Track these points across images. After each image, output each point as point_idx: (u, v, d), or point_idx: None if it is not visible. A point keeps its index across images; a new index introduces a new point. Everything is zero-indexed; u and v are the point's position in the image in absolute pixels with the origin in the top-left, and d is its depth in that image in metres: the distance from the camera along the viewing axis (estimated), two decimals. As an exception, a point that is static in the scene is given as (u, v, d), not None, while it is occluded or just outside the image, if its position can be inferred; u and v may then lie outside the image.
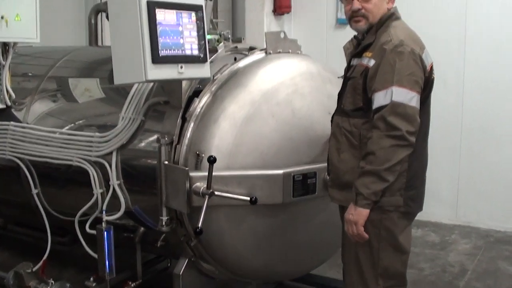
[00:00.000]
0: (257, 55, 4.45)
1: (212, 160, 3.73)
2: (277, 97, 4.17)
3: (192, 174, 3.90)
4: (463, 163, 7.35)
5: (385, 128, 3.21)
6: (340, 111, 3.60)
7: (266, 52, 4.48)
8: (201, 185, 3.85)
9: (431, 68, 3.41)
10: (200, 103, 4.14)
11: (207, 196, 3.79)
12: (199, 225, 3.75)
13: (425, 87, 3.36)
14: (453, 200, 7.43)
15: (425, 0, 7.45)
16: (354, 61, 3.57)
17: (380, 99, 3.26)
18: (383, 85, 3.26)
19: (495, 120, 7.14)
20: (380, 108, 3.25)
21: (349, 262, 3.66)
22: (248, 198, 3.84)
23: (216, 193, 3.82)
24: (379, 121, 3.24)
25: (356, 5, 3.50)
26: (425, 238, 6.83)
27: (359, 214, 3.33)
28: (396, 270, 3.54)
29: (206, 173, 3.79)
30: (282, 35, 4.56)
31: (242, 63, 4.36)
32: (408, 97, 3.21)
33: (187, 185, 3.87)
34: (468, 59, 7.24)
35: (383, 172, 3.22)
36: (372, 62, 3.37)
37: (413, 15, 7.31)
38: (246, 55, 4.44)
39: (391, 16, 3.49)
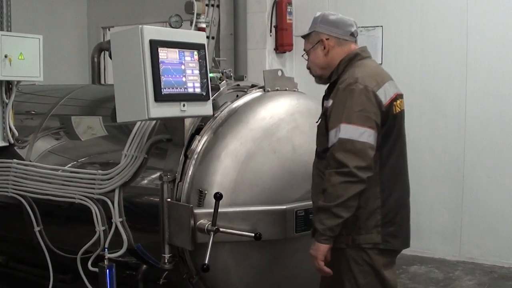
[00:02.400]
0: (255, 93, 4.48)
1: (218, 197, 3.75)
2: (277, 134, 4.20)
3: (196, 211, 3.91)
4: (466, 199, 7.32)
5: (334, 165, 3.28)
6: (316, 153, 3.68)
7: (264, 90, 4.50)
8: (205, 222, 3.86)
9: (392, 100, 3.45)
10: (202, 141, 4.16)
11: (212, 233, 3.80)
12: (206, 261, 3.73)
13: (385, 120, 3.39)
14: (457, 236, 7.39)
15: (426, 34, 7.49)
16: (323, 104, 3.66)
17: (332, 137, 3.35)
18: (334, 124, 3.35)
19: (498, 156, 7.14)
20: (332, 146, 3.33)
21: None
22: (253, 234, 3.83)
23: (221, 229, 3.82)
24: (329, 159, 3.32)
25: (307, 65, 3.77)
26: (428, 275, 6.79)
27: (317, 249, 3.37)
28: None
29: (210, 210, 3.80)
30: (279, 73, 4.60)
31: (241, 101, 4.38)
32: (357, 133, 3.26)
33: (192, 222, 3.87)
34: (469, 93, 7.24)
35: (334, 208, 3.26)
36: (330, 102, 3.47)
37: (414, 49, 7.47)
38: (245, 93, 4.46)
39: (354, 57, 3.58)
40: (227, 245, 3.99)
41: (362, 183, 3.26)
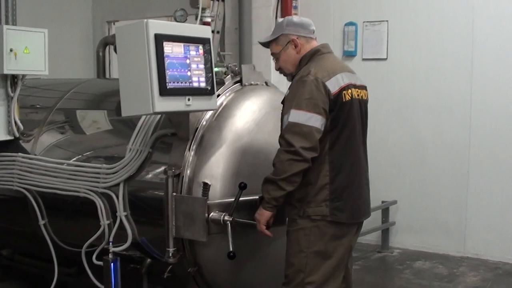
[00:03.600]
0: (235, 87, 4.55)
1: (243, 186, 3.97)
2: (267, 126, 4.37)
3: (209, 202, 3.98)
4: (470, 195, 7.32)
5: (283, 144, 3.69)
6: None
7: (241, 84, 4.57)
8: (216, 214, 3.98)
9: (342, 89, 3.79)
10: (204, 135, 4.23)
11: (229, 223, 3.94)
12: (231, 248, 3.88)
13: (334, 107, 3.74)
14: (461, 232, 7.39)
15: (431, 29, 7.48)
16: None
17: (284, 121, 3.75)
18: (286, 110, 3.76)
19: (503, 151, 7.13)
20: (283, 129, 3.75)
21: (285, 266, 3.92)
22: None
23: (237, 220, 4.00)
24: (280, 139, 3.73)
25: (276, 66, 4.15)
26: (433, 271, 6.79)
27: (262, 215, 3.84)
28: (323, 276, 3.82)
29: (222, 201, 4.01)
30: (252, 68, 4.72)
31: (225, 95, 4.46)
32: (304, 117, 3.65)
33: (206, 214, 3.96)
34: (475, 88, 7.23)
35: (280, 181, 3.68)
36: (287, 93, 3.88)
37: (419, 43, 7.46)
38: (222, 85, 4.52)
39: (315, 53, 3.98)
40: (218, 236, 4.06)
41: (306, 162, 3.65)
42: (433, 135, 7.49)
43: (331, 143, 3.76)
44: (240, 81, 4.58)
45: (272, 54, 4.12)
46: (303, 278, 3.80)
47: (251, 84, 4.63)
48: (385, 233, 7.60)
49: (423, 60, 7.51)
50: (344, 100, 3.79)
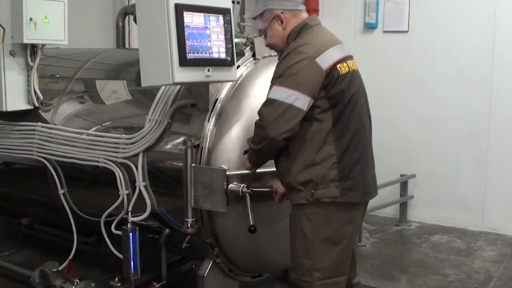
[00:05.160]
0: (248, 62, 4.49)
1: None
2: None
3: (228, 173, 3.99)
4: (490, 169, 7.28)
5: (259, 117, 3.59)
6: None
7: (255, 58, 4.50)
8: (235, 185, 3.99)
9: (335, 63, 3.58)
10: (223, 106, 4.24)
11: (248, 195, 3.94)
12: (251, 222, 3.89)
13: (329, 83, 3.54)
14: (479, 207, 7.36)
15: (453, 1, 7.38)
16: None
17: (267, 95, 3.59)
18: (270, 86, 3.60)
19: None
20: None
21: (291, 254, 3.79)
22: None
23: (255, 189, 3.99)
24: (259, 110, 3.61)
25: (265, 43, 3.97)
26: (450, 245, 6.78)
27: (245, 160, 3.86)
28: (331, 262, 3.68)
29: (241, 172, 4.02)
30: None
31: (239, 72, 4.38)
32: (284, 95, 3.48)
33: (225, 185, 3.96)
34: (496, 62, 7.15)
35: (253, 151, 3.70)
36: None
37: (441, 16, 7.37)
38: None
39: (302, 28, 3.73)
40: (236, 207, 4.08)
41: (272, 141, 3.53)
42: (453, 109, 7.43)
43: (334, 120, 3.56)
44: (253, 56, 4.51)
45: (259, 30, 3.98)
46: (311, 266, 3.65)
47: (264, 57, 4.54)
48: (403, 206, 7.59)
49: (444, 32, 7.42)
50: (340, 73, 3.58)
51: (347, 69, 3.64)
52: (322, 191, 3.57)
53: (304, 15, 3.82)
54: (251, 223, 3.89)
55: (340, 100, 3.57)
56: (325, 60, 3.55)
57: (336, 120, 3.57)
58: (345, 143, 3.59)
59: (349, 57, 3.74)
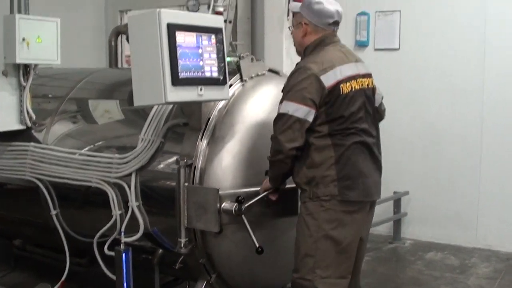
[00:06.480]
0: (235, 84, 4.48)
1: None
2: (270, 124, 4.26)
3: (221, 193, 3.97)
4: (482, 186, 7.27)
5: (273, 133, 3.87)
6: None
7: (242, 80, 4.49)
8: (228, 204, 3.98)
9: (339, 82, 3.83)
10: (216, 125, 4.24)
11: (245, 219, 3.97)
12: (256, 245, 3.96)
13: (331, 99, 3.80)
14: (473, 223, 7.35)
15: (444, 19, 7.41)
16: None
17: (278, 110, 3.85)
18: (281, 100, 3.86)
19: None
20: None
21: (294, 252, 3.96)
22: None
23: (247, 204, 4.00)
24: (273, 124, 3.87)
25: (291, 34, 4.22)
26: (444, 262, 6.77)
27: (265, 184, 4.08)
28: (333, 261, 3.85)
29: (234, 191, 4.04)
30: (251, 60, 4.63)
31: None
32: (292, 108, 3.75)
33: (218, 204, 3.96)
34: (487, 77, 7.16)
35: (270, 162, 3.93)
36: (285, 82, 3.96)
37: (432, 33, 7.41)
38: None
39: (319, 44, 4.00)
40: (230, 227, 4.08)
41: (283, 153, 3.80)
42: (445, 126, 7.44)
43: (333, 129, 3.82)
44: (240, 78, 4.51)
45: (292, 23, 4.19)
46: (313, 264, 3.84)
47: (252, 78, 4.54)
48: (397, 224, 7.58)
49: (435, 50, 7.46)
50: (341, 92, 3.84)
51: (349, 89, 3.87)
52: (322, 190, 3.81)
53: (325, 34, 4.04)
54: (256, 245, 3.94)
55: (337, 116, 3.82)
56: (329, 79, 3.80)
57: (335, 127, 3.82)
58: (342, 149, 3.83)
59: (362, 75, 4.01)
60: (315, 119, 3.78)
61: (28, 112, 5.09)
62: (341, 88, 3.83)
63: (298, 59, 4.12)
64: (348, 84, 3.87)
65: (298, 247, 3.92)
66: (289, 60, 7.21)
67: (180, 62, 3.71)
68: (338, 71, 3.86)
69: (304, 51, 4.04)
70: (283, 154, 3.80)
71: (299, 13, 4.04)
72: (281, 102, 3.84)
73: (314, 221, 3.84)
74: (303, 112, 3.74)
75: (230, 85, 4.29)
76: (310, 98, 3.75)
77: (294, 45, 4.21)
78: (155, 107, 4.34)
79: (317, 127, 3.81)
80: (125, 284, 4.23)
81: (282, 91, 3.91)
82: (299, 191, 3.97)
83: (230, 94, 4.29)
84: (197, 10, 5.57)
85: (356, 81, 3.94)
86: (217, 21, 4.05)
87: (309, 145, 3.82)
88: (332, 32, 4.09)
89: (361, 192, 3.89)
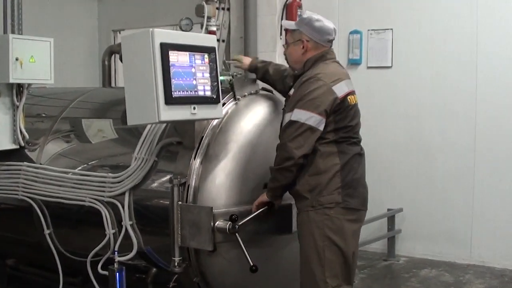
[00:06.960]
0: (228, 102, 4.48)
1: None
2: (263, 143, 4.35)
3: (215, 211, 3.97)
4: (476, 202, 7.30)
5: (281, 140, 3.93)
6: None
7: (235, 98, 4.50)
8: (222, 222, 3.97)
9: (346, 95, 3.97)
10: (209, 144, 4.24)
11: (239, 237, 3.94)
12: (251, 263, 3.92)
13: (340, 109, 3.92)
14: (467, 240, 7.36)
15: (435, 37, 7.48)
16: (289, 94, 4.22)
17: (286, 118, 3.93)
18: (290, 108, 3.93)
19: (510, 158, 7.11)
20: (284, 124, 3.95)
21: (301, 263, 4.01)
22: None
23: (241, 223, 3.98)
24: (281, 133, 3.95)
25: (284, 51, 4.37)
26: (439, 279, 6.76)
27: (261, 196, 4.07)
28: (339, 268, 3.92)
29: (228, 210, 4.02)
30: (244, 79, 4.69)
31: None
32: (305, 116, 3.84)
33: (212, 223, 3.94)
34: (480, 96, 7.23)
35: (275, 171, 3.94)
36: (292, 91, 4.09)
37: (424, 51, 7.45)
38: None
39: (320, 58, 4.11)
40: (224, 245, 4.06)
41: (294, 158, 3.82)
42: (438, 143, 7.47)
43: (339, 137, 3.92)
44: (234, 96, 4.52)
45: (285, 40, 4.31)
46: (322, 273, 3.88)
47: (245, 96, 4.56)
48: (391, 241, 7.58)
49: (427, 68, 7.50)
50: (349, 103, 3.99)
51: (353, 102, 4.05)
52: (326, 197, 3.88)
53: (325, 49, 4.16)
54: (251, 264, 3.92)
55: (344, 125, 3.95)
56: (339, 89, 3.94)
57: (341, 136, 3.94)
58: (347, 157, 3.95)
59: (354, 92, 4.11)
60: (324, 127, 3.88)
61: (21, 132, 5.09)
62: (349, 99, 3.98)
63: (290, 78, 4.17)
64: (352, 97, 4.03)
65: (305, 257, 3.95)
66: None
67: (174, 81, 3.73)
68: (344, 84, 4.00)
69: (305, 64, 4.11)
70: (292, 161, 3.83)
71: (297, 30, 4.14)
72: (290, 110, 3.90)
73: (319, 230, 3.88)
74: (315, 120, 3.83)
75: (224, 104, 4.30)
76: (323, 107, 3.85)
77: (288, 62, 4.30)
78: (148, 126, 4.35)
79: (324, 134, 3.89)
80: (119, 303, 4.22)
81: (286, 100, 4.06)
82: (297, 201, 4.00)
83: (224, 112, 4.29)
84: (190, 30, 5.58)
85: (353, 96, 4.08)
86: (210, 40, 4.07)
87: (314, 152, 3.88)
88: (330, 48, 4.21)
89: (360, 200, 4.02)
